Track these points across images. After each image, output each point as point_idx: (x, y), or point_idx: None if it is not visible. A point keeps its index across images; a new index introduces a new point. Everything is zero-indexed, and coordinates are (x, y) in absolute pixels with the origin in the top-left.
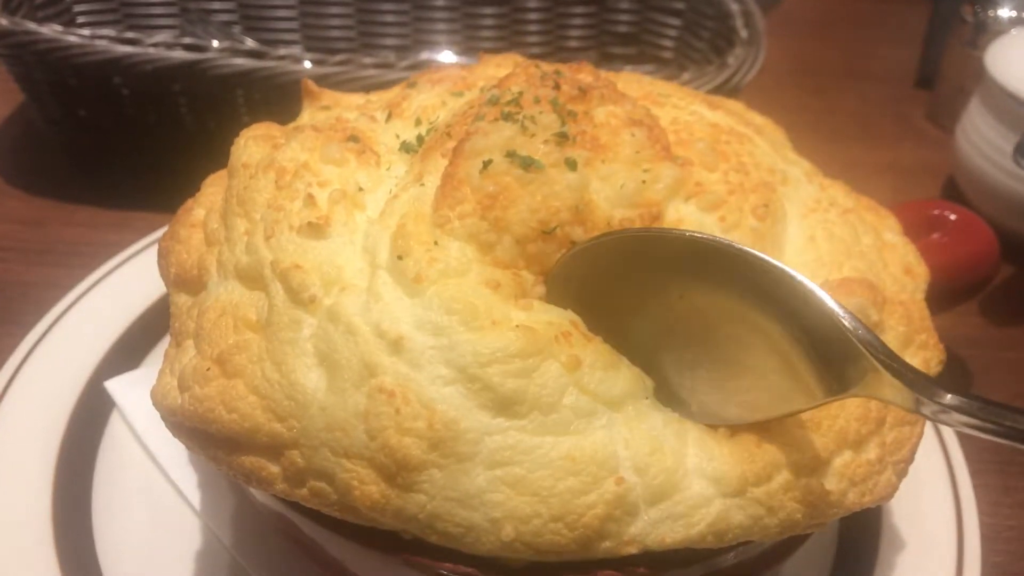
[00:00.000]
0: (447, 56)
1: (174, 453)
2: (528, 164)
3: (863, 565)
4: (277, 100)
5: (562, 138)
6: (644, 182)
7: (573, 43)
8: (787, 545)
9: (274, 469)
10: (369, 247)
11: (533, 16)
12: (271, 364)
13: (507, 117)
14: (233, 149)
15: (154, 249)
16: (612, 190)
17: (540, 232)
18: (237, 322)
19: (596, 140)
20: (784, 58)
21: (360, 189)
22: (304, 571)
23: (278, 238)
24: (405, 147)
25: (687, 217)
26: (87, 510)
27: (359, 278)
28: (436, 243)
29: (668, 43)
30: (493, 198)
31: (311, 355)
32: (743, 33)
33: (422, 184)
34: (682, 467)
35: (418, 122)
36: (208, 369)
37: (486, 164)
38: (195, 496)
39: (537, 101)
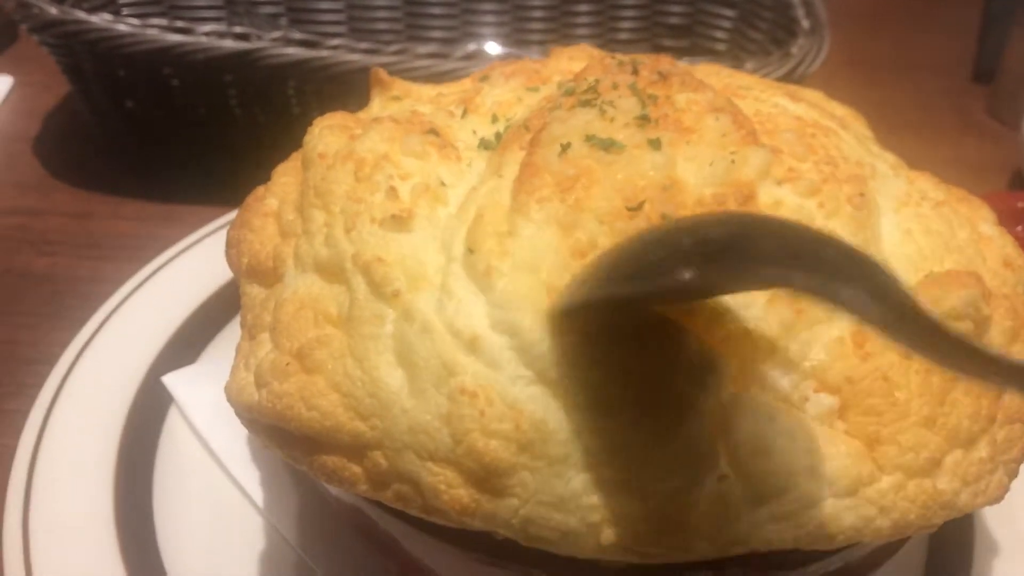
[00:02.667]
0: (494, 48)
1: (235, 449)
2: (609, 146)
3: (957, 569)
4: (329, 92)
5: (643, 120)
6: (733, 162)
7: (624, 35)
8: (886, 549)
9: (357, 469)
10: (447, 241)
11: (583, 8)
12: (353, 360)
13: (585, 104)
14: (307, 139)
15: (208, 243)
16: (700, 168)
17: (625, 209)
18: (317, 316)
19: (679, 123)
20: (836, 50)
21: (442, 184)
22: (376, 568)
23: (359, 231)
24: (484, 144)
25: (784, 200)
26: (148, 509)
27: (438, 273)
28: (510, 233)
29: (722, 35)
30: (573, 180)
31: (393, 352)
32: (805, 23)
33: (500, 176)
34: (792, 467)
35: (495, 119)
36: (287, 364)
37: (564, 148)
38: (258, 493)
39: (615, 87)
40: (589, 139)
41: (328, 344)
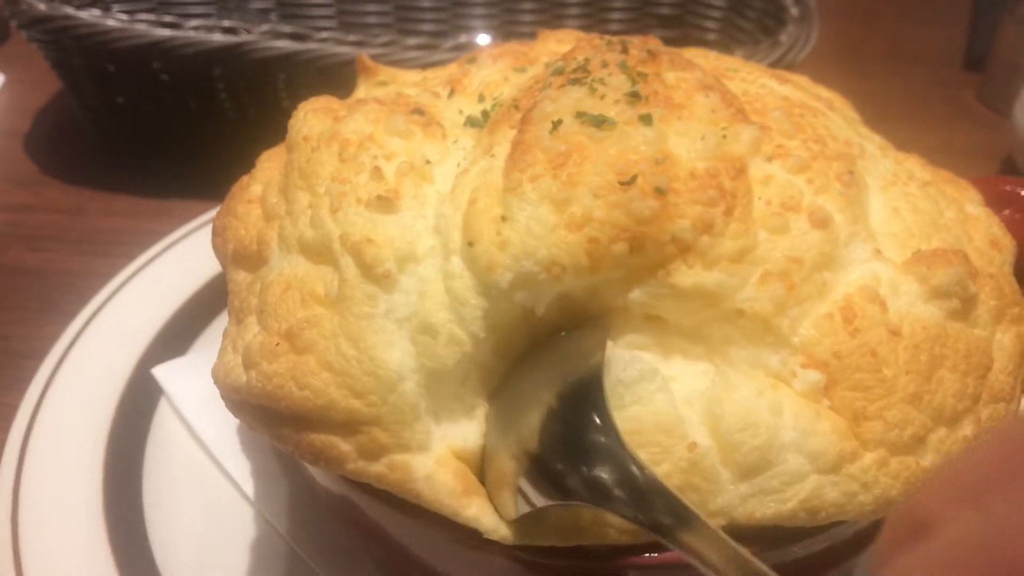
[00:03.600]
0: (484, 40)
1: (225, 440)
2: (600, 122)
3: None
4: (319, 85)
5: (634, 97)
6: (724, 137)
7: (614, 26)
8: (872, 531)
9: (345, 447)
10: (441, 228)
11: None
12: (346, 340)
13: (575, 82)
14: (292, 122)
15: (197, 236)
16: (692, 143)
17: (618, 183)
18: (304, 296)
19: (670, 99)
20: (827, 40)
21: (428, 162)
22: (364, 557)
23: (345, 211)
24: (471, 122)
25: (774, 176)
26: (138, 500)
27: (432, 256)
28: (505, 218)
29: (712, 24)
30: (565, 156)
31: (392, 332)
32: (794, 11)
33: (492, 155)
34: (777, 442)
35: (481, 98)
36: (277, 344)
37: (555, 125)
38: (248, 484)
39: (605, 65)
40: (580, 116)
41: (318, 324)
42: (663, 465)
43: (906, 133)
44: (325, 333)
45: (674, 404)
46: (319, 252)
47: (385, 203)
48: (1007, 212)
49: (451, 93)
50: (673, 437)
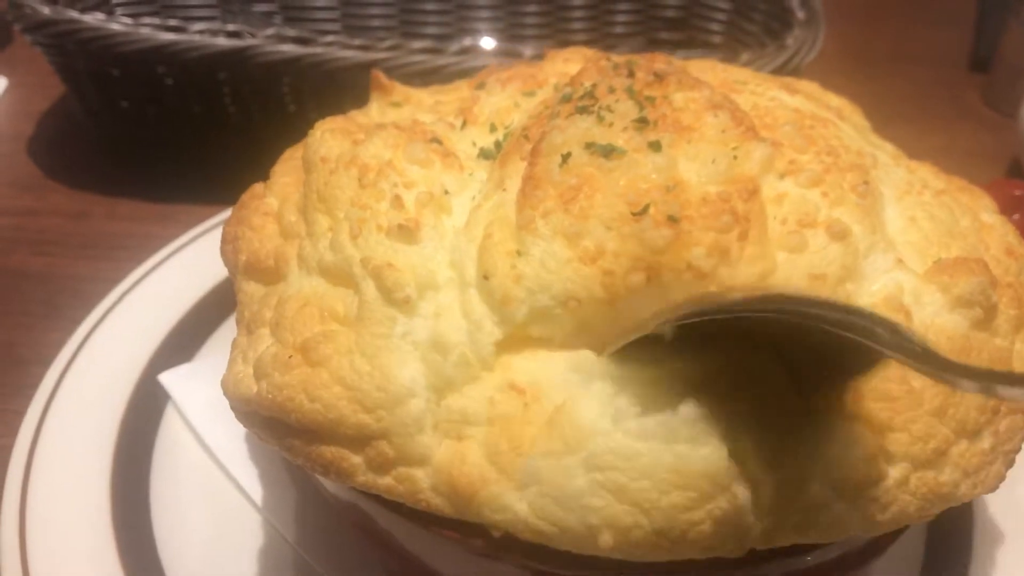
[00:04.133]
0: (488, 43)
1: (233, 447)
2: (609, 152)
3: (957, 558)
4: (325, 90)
5: (642, 123)
6: (735, 158)
7: (619, 29)
8: (884, 539)
9: (356, 460)
10: (456, 261)
11: (578, 2)
12: (361, 356)
13: (582, 111)
14: (309, 141)
15: (203, 241)
16: (703, 167)
17: (630, 214)
18: (323, 313)
19: (678, 123)
20: (831, 42)
21: (446, 192)
22: (374, 565)
23: (366, 238)
24: (484, 154)
25: (788, 193)
26: (146, 507)
27: (449, 288)
28: (519, 253)
29: (717, 27)
30: (576, 190)
31: (407, 352)
32: (800, 14)
33: (504, 190)
34: (804, 476)
35: (493, 128)
36: (290, 357)
37: (565, 158)
38: (256, 491)
39: (612, 91)
40: (589, 147)
41: (334, 340)
42: (697, 511)
43: (910, 135)
44: (341, 349)
45: (725, 454)
46: (339, 276)
47: (406, 233)
48: (1017, 216)
49: (463, 124)
50: (715, 486)
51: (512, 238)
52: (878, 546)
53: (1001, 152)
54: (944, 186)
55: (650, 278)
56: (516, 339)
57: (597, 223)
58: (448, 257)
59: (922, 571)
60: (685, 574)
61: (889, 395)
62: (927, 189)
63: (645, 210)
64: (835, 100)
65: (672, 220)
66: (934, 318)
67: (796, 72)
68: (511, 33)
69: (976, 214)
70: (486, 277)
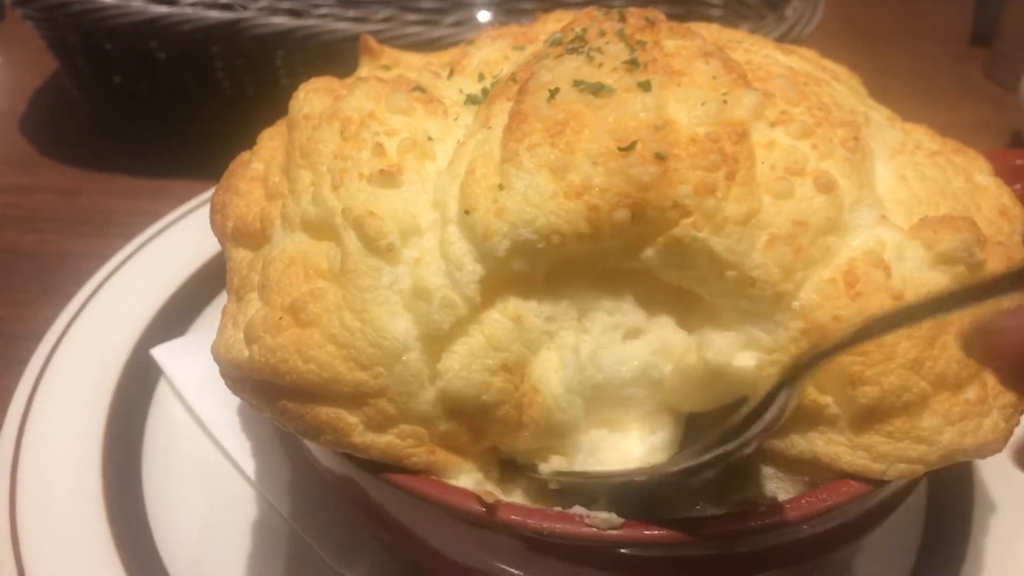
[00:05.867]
0: (485, 16)
1: (226, 420)
2: (598, 89)
3: (956, 529)
4: (318, 62)
5: (632, 65)
6: (726, 102)
7: (617, 2)
8: (880, 509)
9: (352, 419)
10: (439, 200)
11: None
12: (350, 313)
13: (572, 51)
14: (292, 102)
15: (196, 215)
16: (692, 109)
17: (617, 150)
18: (308, 270)
19: (669, 67)
20: (833, 17)
21: (429, 139)
22: (367, 537)
23: (347, 187)
24: (471, 99)
25: (777, 141)
26: (138, 482)
27: (432, 231)
28: (502, 187)
29: (716, 0)
30: (563, 124)
31: (396, 303)
32: None
33: (489, 128)
34: None
35: (481, 76)
36: (280, 318)
37: (553, 94)
38: (249, 465)
39: (602, 34)
40: (577, 84)
41: (322, 297)
42: None
43: (913, 109)
44: (329, 306)
45: None
46: (321, 228)
47: (388, 177)
48: (1018, 186)
49: (451, 73)
50: None
51: (495, 172)
52: (875, 516)
53: (1004, 125)
54: (939, 148)
55: (635, 215)
56: (499, 279)
57: (584, 158)
58: (431, 199)
59: (920, 548)
60: (688, 545)
61: (861, 349)
62: (920, 150)
63: (632, 146)
64: (831, 65)
65: (659, 157)
66: (915, 273)
67: (795, 44)
68: (507, 7)
69: (970, 175)
70: (467, 212)
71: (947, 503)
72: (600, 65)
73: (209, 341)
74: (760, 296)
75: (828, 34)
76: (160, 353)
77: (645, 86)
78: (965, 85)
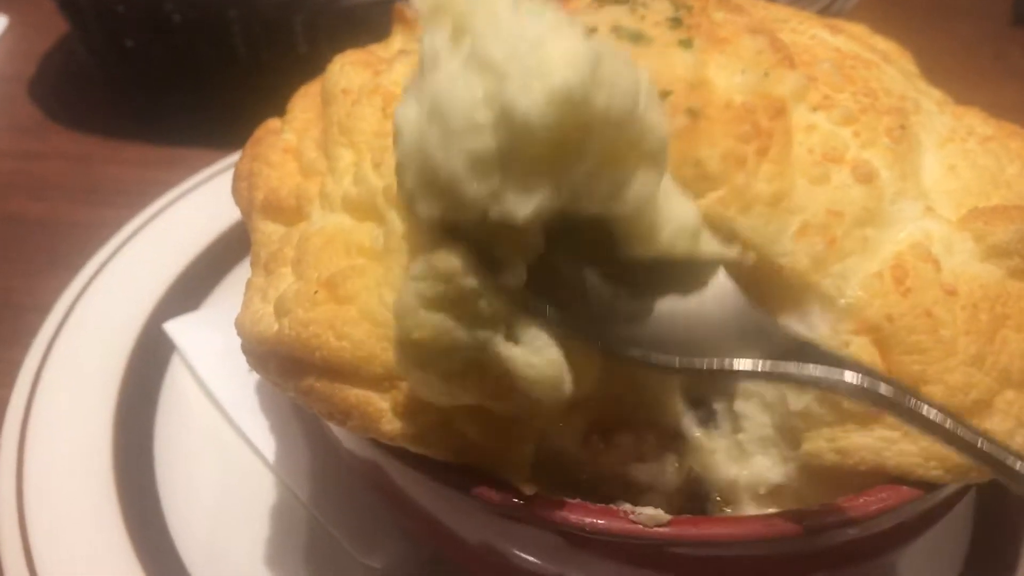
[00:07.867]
0: None
1: (242, 399)
2: (637, 38)
3: (1005, 534)
4: (340, 29)
5: (676, 23)
6: (767, 75)
7: None
8: (931, 513)
9: (382, 405)
10: None
11: None
12: (391, 291)
13: (617, 3)
14: (327, 75)
15: (211, 186)
16: (732, 76)
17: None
18: (349, 247)
19: (714, 34)
20: None
21: None
22: (390, 526)
23: (389, 165)
24: None
25: (818, 126)
26: (149, 461)
27: None
28: None
29: None
30: None
31: None
32: None
33: None
34: None
35: None
36: (316, 292)
37: (590, 32)
38: (266, 447)
39: None
40: (616, 29)
41: (362, 274)
42: None
43: (952, 91)
44: (369, 283)
45: None
46: (363, 209)
47: None
48: None
49: None
50: None
51: None
52: (927, 519)
53: None
54: (993, 132)
55: None
56: None
57: None
58: None
59: (968, 553)
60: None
61: (917, 347)
62: (972, 136)
63: (666, 95)
64: (883, 43)
65: (691, 112)
66: (965, 267)
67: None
68: None
69: None
70: None
71: (996, 507)
72: (643, 18)
73: (224, 316)
74: (787, 287)
75: (866, 13)
76: (173, 327)
77: (686, 43)
78: (1007, 66)
